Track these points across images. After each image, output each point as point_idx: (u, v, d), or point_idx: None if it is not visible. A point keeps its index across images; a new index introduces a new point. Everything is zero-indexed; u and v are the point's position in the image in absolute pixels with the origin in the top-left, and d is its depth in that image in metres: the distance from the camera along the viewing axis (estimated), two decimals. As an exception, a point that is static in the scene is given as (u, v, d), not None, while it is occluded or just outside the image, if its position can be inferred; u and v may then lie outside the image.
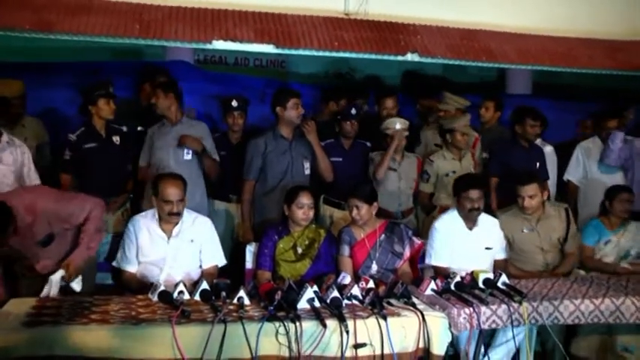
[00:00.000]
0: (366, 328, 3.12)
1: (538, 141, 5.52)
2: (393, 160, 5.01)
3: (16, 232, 3.54)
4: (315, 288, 3.31)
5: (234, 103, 5.06)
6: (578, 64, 5.23)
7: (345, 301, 3.33)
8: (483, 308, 3.41)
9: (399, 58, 4.81)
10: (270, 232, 4.19)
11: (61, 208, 3.77)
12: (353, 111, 5.00)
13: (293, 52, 4.77)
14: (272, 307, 3.13)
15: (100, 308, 3.22)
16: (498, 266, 4.27)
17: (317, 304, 3.24)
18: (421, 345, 3.21)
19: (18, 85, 4.94)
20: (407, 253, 4.22)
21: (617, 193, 4.85)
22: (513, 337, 3.56)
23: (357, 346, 3.08)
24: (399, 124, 5.02)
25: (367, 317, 3.17)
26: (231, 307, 3.22)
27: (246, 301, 3.28)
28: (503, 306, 3.44)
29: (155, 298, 3.36)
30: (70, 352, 2.86)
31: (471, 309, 3.37)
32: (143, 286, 3.73)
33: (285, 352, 3.01)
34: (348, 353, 3.07)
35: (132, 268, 3.95)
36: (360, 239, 4.17)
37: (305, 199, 4.11)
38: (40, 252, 3.75)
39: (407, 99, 6.07)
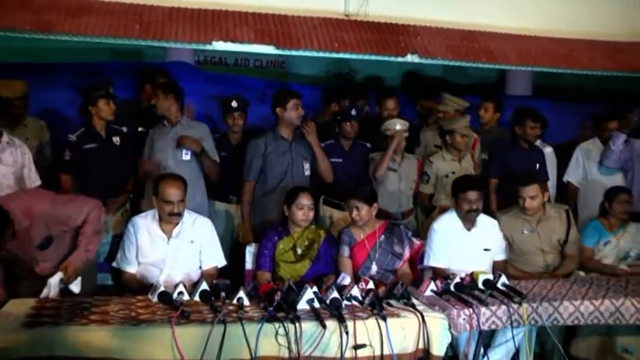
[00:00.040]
0: (365, 329, 3.11)
1: (538, 142, 5.52)
2: (393, 160, 5.01)
3: (14, 236, 3.55)
4: (315, 289, 3.31)
5: (234, 104, 5.06)
6: (578, 65, 5.24)
7: (345, 302, 3.32)
8: (483, 309, 3.41)
9: (399, 59, 4.82)
10: (269, 233, 4.19)
11: (59, 211, 3.77)
12: (353, 112, 5.00)
13: (293, 53, 4.78)
14: (272, 308, 3.13)
15: (100, 309, 3.22)
16: (497, 267, 4.27)
17: (317, 304, 3.25)
18: (421, 346, 3.21)
19: (20, 86, 4.93)
20: (407, 254, 4.22)
21: (616, 194, 4.85)
22: (513, 338, 3.56)
23: (356, 347, 3.08)
24: (399, 125, 5.02)
25: (367, 318, 3.17)
26: (231, 307, 3.22)
27: (246, 302, 3.28)
28: (503, 307, 3.44)
29: (155, 299, 3.36)
30: (70, 352, 2.86)
31: (471, 310, 3.37)
32: (143, 286, 3.73)
33: (285, 353, 3.01)
34: (348, 354, 3.06)
35: (132, 268, 3.95)
36: (360, 240, 4.17)
37: (305, 200, 4.11)
38: (38, 255, 3.74)
39: (407, 100, 6.07)
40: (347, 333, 3.04)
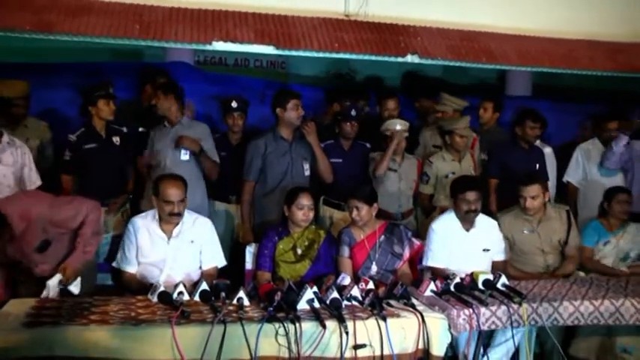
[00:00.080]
0: (365, 329, 3.12)
1: (537, 142, 5.52)
2: (393, 161, 5.01)
3: (11, 239, 3.55)
4: (315, 289, 3.32)
5: (234, 104, 5.06)
6: (578, 65, 5.23)
7: (345, 302, 3.33)
8: (483, 309, 3.41)
9: (399, 59, 4.82)
10: (270, 233, 4.19)
11: (56, 214, 3.76)
12: (353, 112, 5.00)
13: (293, 53, 4.77)
14: (272, 308, 3.13)
15: (100, 309, 3.22)
16: (497, 268, 4.26)
17: (316, 305, 3.25)
18: (421, 346, 3.21)
19: (22, 86, 4.93)
20: (406, 254, 4.22)
21: (615, 195, 4.85)
22: (512, 337, 3.56)
23: (356, 347, 3.08)
24: (399, 126, 5.02)
25: (367, 318, 3.17)
26: (231, 307, 3.22)
27: (246, 302, 3.28)
28: (503, 307, 3.44)
29: (155, 299, 3.36)
30: (70, 352, 2.86)
31: (471, 310, 3.37)
32: (143, 286, 3.72)
33: (285, 353, 3.01)
34: (348, 354, 3.07)
35: (132, 268, 3.95)
36: (360, 240, 4.17)
37: (305, 200, 4.11)
38: (37, 257, 3.74)
39: (407, 100, 6.08)
40: (347, 333, 3.04)
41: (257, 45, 4.57)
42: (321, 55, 4.71)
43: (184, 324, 3.02)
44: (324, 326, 3.04)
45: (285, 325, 3.02)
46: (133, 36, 4.38)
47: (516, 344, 3.76)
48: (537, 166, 5.33)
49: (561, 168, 5.71)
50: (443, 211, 4.75)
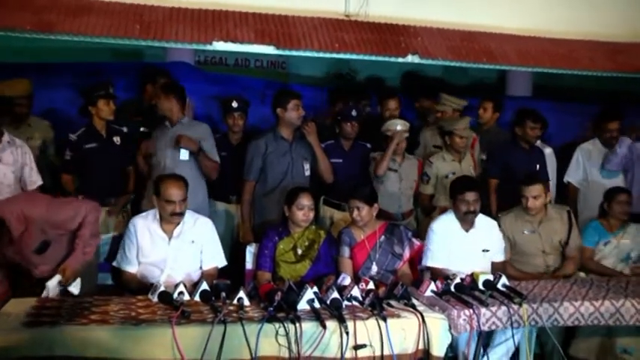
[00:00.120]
0: (365, 330, 3.12)
1: (538, 143, 5.52)
2: (393, 161, 5.01)
3: (10, 242, 3.55)
4: (315, 289, 3.32)
5: (235, 104, 5.05)
6: (578, 66, 5.23)
7: (345, 302, 3.32)
8: (483, 310, 3.41)
9: (400, 59, 4.83)
10: (270, 233, 4.19)
11: (54, 216, 3.76)
12: (353, 112, 5.00)
13: (294, 53, 4.78)
14: (272, 308, 3.13)
15: (100, 309, 3.22)
16: (496, 268, 4.24)
17: (317, 305, 3.25)
18: (421, 346, 3.21)
19: (25, 85, 4.94)
20: (407, 254, 4.22)
21: (615, 195, 4.84)
22: (512, 336, 3.56)
23: (356, 347, 3.08)
24: (399, 126, 5.02)
25: (367, 318, 3.17)
26: (231, 307, 3.22)
27: (246, 302, 3.28)
28: (503, 307, 3.44)
29: (155, 299, 3.36)
30: (70, 352, 2.86)
31: (471, 310, 3.37)
32: (143, 286, 3.73)
33: (285, 353, 3.01)
34: (348, 354, 3.07)
35: (132, 268, 3.95)
36: (360, 240, 4.17)
37: (305, 201, 4.11)
38: (36, 259, 3.74)
39: (407, 100, 6.08)
40: (347, 333, 3.04)
41: (257, 45, 4.57)
42: (321, 55, 4.72)
43: (185, 324, 3.02)
44: (324, 326, 3.04)
45: (286, 325, 3.02)
46: (134, 36, 4.39)
47: (516, 344, 3.76)
48: (538, 166, 5.32)
49: (562, 168, 5.70)
50: (443, 211, 4.75)
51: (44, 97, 5.42)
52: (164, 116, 4.77)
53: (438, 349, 3.25)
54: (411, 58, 4.80)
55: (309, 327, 3.06)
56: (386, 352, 3.10)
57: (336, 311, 3.17)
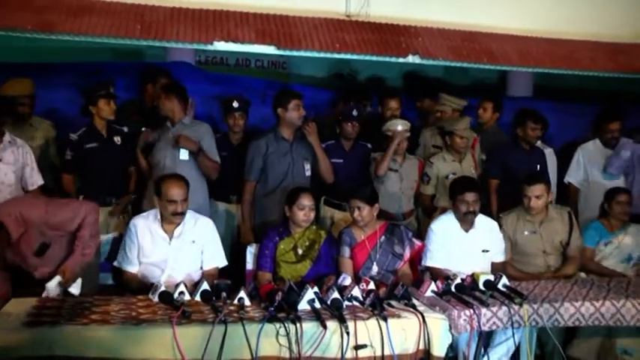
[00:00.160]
0: (366, 330, 3.12)
1: (538, 143, 5.51)
2: (394, 161, 5.01)
3: (10, 245, 3.55)
4: (316, 289, 3.32)
5: (235, 104, 5.05)
6: (579, 66, 5.24)
7: (346, 303, 3.32)
8: (484, 310, 3.41)
9: (401, 60, 4.83)
10: (270, 233, 4.19)
11: (52, 217, 3.76)
12: (354, 112, 4.99)
13: (294, 53, 4.79)
14: (272, 308, 3.13)
15: (101, 308, 3.22)
16: (496, 269, 4.24)
17: (317, 305, 3.24)
18: (421, 346, 3.21)
19: (27, 84, 4.93)
20: (407, 254, 4.22)
21: (615, 195, 4.84)
22: (513, 336, 3.56)
23: (357, 347, 3.08)
24: (400, 126, 5.01)
25: (368, 318, 3.17)
26: (232, 307, 3.22)
27: (247, 302, 3.28)
28: (504, 308, 3.44)
29: (156, 299, 3.36)
30: (70, 352, 2.86)
31: (472, 311, 3.37)
32: (144, 286, 3.73)
33: (286, 353, 3.01)
34: (349, 354, 3.07)
35: (133, 268, 3.95)
36: (361, 240, 4.17)
37: (306, 201, 4.11)
38: (36, 261, 3.74)
39: (408, 100, 6.07)
40: (348, 333, 3.04)
41: (258, 45, 4.57)
42: (322, 55, 4.72)
43: (185, 324, 3.02)
44: (324, 326, 3.04)
45: (286, 325, 3.02)
46: (135, 36, 4.39)
47: (516, 344, 3.76)
48: (538, 167, 5.32)
49: (562, 169, 5.70)
50: (444, 211, 4.75)
51: (45, 96, 5.41)
52: (166, 117, 4.77)
53: (439, 349, 3.25)
54: (411, 59, 4.80)
55: (309, 327, 3.06)
56: (386, 352, 3.10)
57: (336, 311, 3.17)
